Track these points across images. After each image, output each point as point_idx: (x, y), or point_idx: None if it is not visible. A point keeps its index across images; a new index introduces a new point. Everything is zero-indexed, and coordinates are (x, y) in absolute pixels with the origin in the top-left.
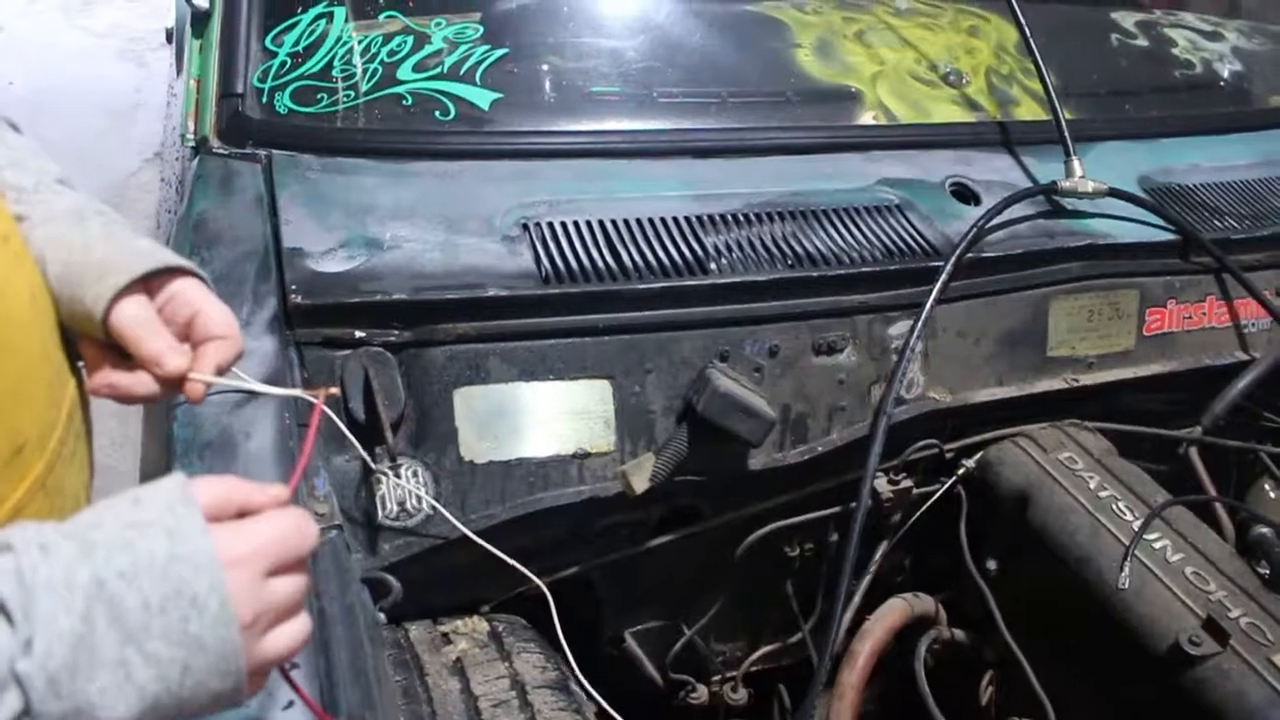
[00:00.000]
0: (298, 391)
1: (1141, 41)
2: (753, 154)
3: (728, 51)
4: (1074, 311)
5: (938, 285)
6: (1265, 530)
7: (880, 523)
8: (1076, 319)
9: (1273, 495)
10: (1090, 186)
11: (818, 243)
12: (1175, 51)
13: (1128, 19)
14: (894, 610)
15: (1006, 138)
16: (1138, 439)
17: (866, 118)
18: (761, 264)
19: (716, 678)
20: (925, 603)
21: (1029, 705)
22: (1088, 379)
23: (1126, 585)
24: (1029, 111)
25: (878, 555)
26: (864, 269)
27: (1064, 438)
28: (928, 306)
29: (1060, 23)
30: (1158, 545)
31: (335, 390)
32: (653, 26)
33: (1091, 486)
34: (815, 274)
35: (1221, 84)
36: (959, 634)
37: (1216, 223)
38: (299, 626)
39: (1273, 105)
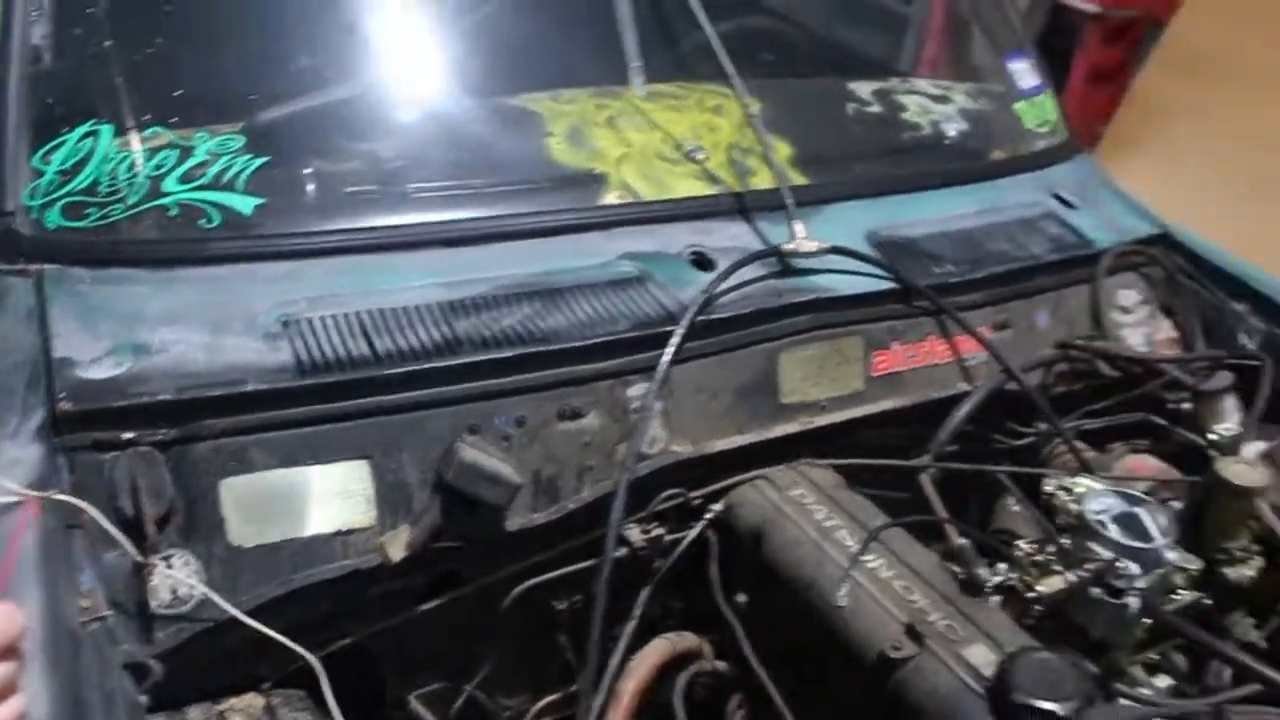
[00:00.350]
0: (13, 487)
1: (875, 108)
2: (502, 239)
3: (482, 145)
4: (803, 361)
5: (670, 347)
6: (964, 541)
7: (640, 570)
8: (807, 367)
9: (1015, 509)
10: (813, 246)
11: (561, 318)
12: (905, 116)
13: (864, 88)
14: (656, 650)
15: (743, 206)
16: (877, 471)
17: (611, 198)
18: (507, 342)
19: None
20: (688, 640)
21: None
22: (822, 420)
23: (845, 603)
24: (765, 181)
25: (641, 600)
26: (602, 339)
27: (797, 477)
28: (661, 367)
29: (800, 94)
30: (873, 565)
31: (58, 495)
32: (409, 126)
33: (818, 518)
34: (557, 347)
35: (947, 142)
36: (721, 666)
37: (935, 269)
38: (8, 709)
39: (993, 159)
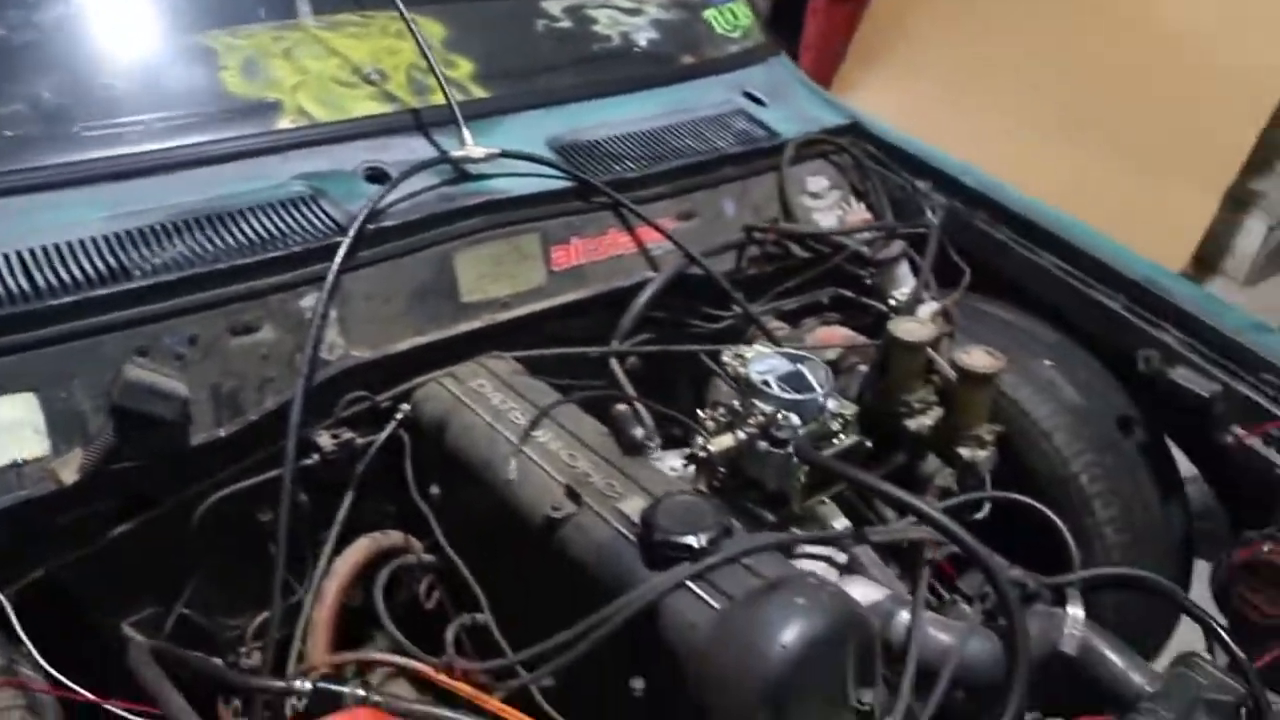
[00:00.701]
0: None
1: (565, 23)
2: (172, 170)
3: (152, 81)
4: (480, 260)
5: (338, 256)
6: (621, 407)
7: (340, 476)
8: (484, 266)
9: (724, 388)
10: (481, 152)
11: (230, 239)
12: (596, 28)
13: (555, 5)
14: (359, 549)
15: (420, 123)
16: (576, 362)
17: (285, 123)
18: (175, 265)
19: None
20: (393, 538)
21: (473, 603)
22: (505, 316)
23: (514, 476)
24: (443, 98)
25: (345, 505)
26: (271, 255)
27: (478, 369)
28: (330, 276)
29: (488, 14)
30: (543, 439)
31: None
32: (76, 66)
33: (494, 403)
34: (224, 265)
35: (637, 51)
36: (429, 559)
37: (616, 167)
38: None
39: (683, 64)
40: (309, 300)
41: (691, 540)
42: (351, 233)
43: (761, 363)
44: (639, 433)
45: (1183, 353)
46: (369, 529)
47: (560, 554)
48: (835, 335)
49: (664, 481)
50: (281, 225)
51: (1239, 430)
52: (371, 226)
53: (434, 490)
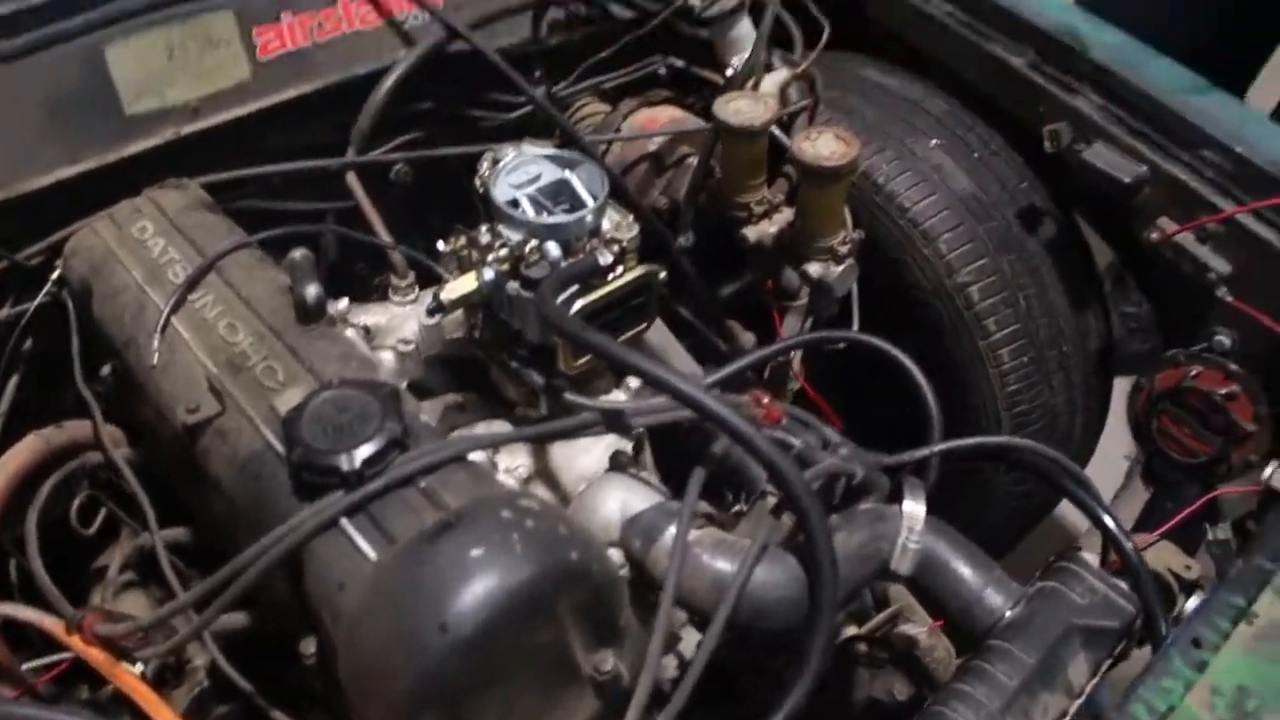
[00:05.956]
0: None
1: None
2: None
3: None
4: (145, 53)
5: None
6: (297, 253)
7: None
8: (153, 61)
9: None
10: None
11: None
12: None
13: None
14: (25, 449)
15: None
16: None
17: None
18: None
19: None
20: (69, 431)
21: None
22: (195, 126)
23: (155, 361)
24: None
25: (7, 392)
26: None
27: (144, 205)
28: None
29: None
30: (200, 303)
31: None
32: None
33: (155, 255)
34: None
35: None
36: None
37: None
38: None
39: None
40: None
41: (341, 461)
42: None
43: (516, 171)
44: (311, 291)
45: (1101, 124)
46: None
47: (204, 471)
48: (658, 118)
49: (338, 358)
50: None
51: (1167, 224)
52: None
53: (105, 371)
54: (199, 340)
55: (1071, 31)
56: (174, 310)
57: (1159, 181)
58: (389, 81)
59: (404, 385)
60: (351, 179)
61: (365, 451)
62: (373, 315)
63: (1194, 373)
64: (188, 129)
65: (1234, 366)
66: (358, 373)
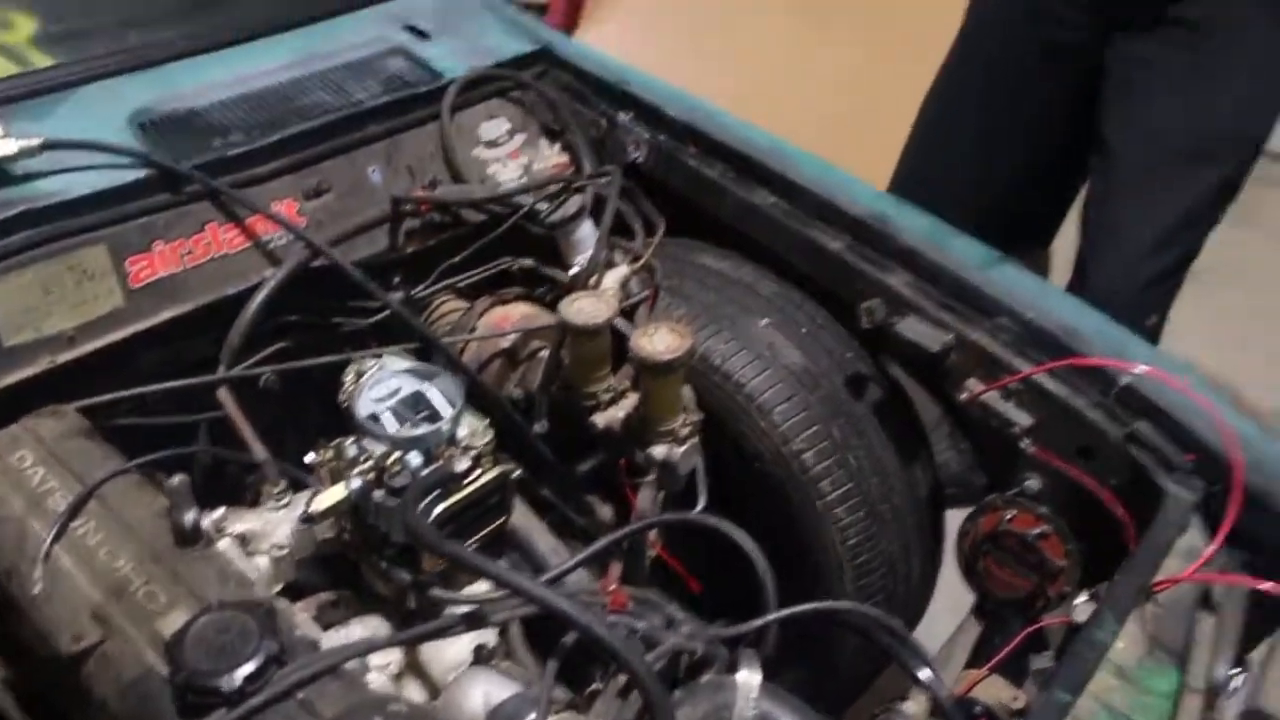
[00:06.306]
0: None
1: None
2: None
3: None
4: (22, 290)
5: None
6: (175, 480)
7: None
8: (30, 297)
9: None
10: (14, 146)
11: None
12: None
13: None
14: None
15: None
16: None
17: None
18: None
19: None
20: None
21: None
22: (69, 355)
23: (38, 589)
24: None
25: None
26: None
27: (21, 434)
28: None
29: None
30: (81, 530)
31: None
32: None
33: (34, 485)
34: None
35: None
36: None
37: (217, 142)
38: None
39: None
40: None
41: (223, 681)
42: None
43: (378, 386)
44: (189, 516)
45: (911, 299)
46: None
47: (89, 695)
48: (510, 315)
49: (217, 580)
50: None
51: (974, 384)
52: None
53: None
54: (81, 567)
55: (881, 217)
56: (56, 539)
57: (964, 347)
58: (258, 299)
59: (279, 588)
60: (223, 394)
61: (246, 670)
62: (247, 522)
63: (1009, 516)
64: (63, 357)
65: (1043, 509)
66: (235, 592)
